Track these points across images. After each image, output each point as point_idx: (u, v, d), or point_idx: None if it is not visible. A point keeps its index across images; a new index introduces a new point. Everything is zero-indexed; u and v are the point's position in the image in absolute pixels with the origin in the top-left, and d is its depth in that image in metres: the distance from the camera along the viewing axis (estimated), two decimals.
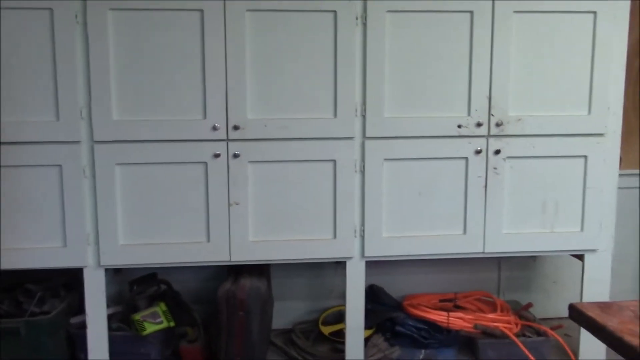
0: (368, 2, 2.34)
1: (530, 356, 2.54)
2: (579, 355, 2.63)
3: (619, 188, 2.61)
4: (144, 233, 2.40)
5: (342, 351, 2.58)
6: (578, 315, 1.40)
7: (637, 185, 3.14)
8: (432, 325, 2.72)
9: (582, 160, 2.51)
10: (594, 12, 2.43)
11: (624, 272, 3.17)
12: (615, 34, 2.46)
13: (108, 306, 2.50)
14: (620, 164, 2.58)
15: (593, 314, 1.36)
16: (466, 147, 2.46)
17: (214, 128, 2.34)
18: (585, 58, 2.46)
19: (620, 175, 2.63)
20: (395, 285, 2.99)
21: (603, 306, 1.40)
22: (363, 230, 2.48)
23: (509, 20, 2.40)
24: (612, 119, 2.51)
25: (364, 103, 2.40)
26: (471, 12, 2.39)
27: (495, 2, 2.39)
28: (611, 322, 1.31)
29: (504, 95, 2.44)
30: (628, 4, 2.47)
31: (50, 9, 2.23)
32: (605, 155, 2.52)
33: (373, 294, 2.91)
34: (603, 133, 2.50)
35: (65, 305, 2.61)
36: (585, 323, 1.38)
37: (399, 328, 2.72)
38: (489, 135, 2.46)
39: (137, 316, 2.56)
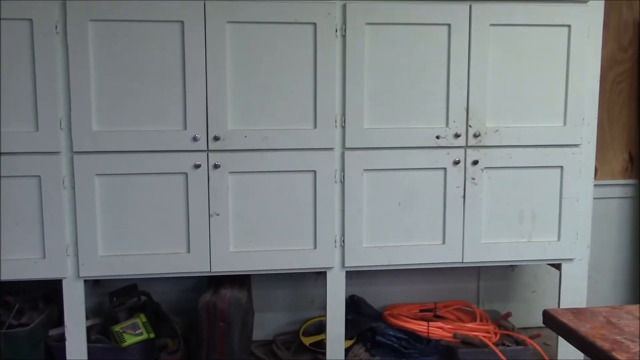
0: (347, 15, 2.37)
1: None
2: None
3: (595, 198, 2.66)
4: (123, 244, 2.39)
5: None
6: (551, 320, 1.43)
7: (613, 195, 3.19)
8: (413, 335, 2.73)
9: (558, 170, 2.55)
10: (569, 26, 2.48)
11: (601, 280, 3.21)
12: (589, 47, 2.51)
13: (87, 318, 2.49)
14: (595, 174, 2.62)
15: (566, 319, 1.38)
16: (445, 158, 2.49)
17: (195, 139, 2.35)
18: (561, 70, 2.50)
19: (596, 185, 2.67)
20: (376, 296, 3.00)
21: (576, 312, 1.43)
22: (343, 241, 2.49)
23: (485, 33, 2.44)
24: (587, 130, 2.55)
25: (343, 114, 2.42)
26: (449, 25, 2.42)
27: (472, 15, 2.43)
28: (583, 328, 1.34)
29: (481, 106, 2.47)
30: (602, 17, 2.53)
31: (30, 20, 2.23)
32: (580, 166, 2.56)
33: (353, 304, 2.92)
34: (578, 144, 2.54)
35: (44, 317, 2.59)
36: (558, 328, 1.40)
37: (379, 338, 2.72)
38: (467, 146, 2.49)
39: (117, 328, 2.54)
